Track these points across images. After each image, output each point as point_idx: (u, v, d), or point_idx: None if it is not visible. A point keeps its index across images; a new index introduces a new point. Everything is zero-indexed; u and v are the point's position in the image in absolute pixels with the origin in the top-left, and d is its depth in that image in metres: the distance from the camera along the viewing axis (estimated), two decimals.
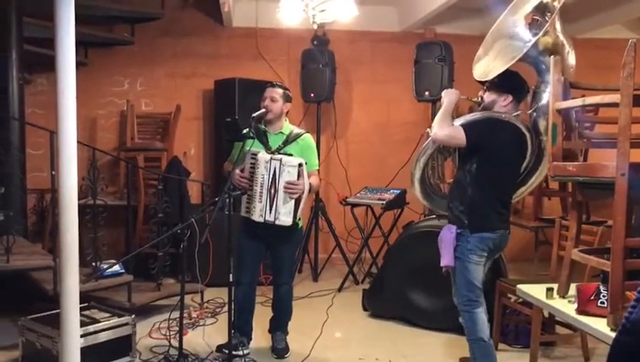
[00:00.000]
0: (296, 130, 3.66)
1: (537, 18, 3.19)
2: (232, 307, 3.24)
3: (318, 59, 5.61)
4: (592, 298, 2.75)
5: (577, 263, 3.13)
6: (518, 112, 3.13)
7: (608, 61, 6.12)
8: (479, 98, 3.21)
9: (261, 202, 3.40)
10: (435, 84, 5.13)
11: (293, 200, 3.36)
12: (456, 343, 3.81)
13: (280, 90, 3.59)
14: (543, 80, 3.14)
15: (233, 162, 3.52)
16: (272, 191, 3.37)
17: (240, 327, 3.67)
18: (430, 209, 4.37)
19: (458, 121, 3.11)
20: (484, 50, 3.36)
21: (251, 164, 3.43)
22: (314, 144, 3.69)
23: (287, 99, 3.61)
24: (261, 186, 3.39)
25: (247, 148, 3.41)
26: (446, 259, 3.08)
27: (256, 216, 3.41)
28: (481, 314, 3.08)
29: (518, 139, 3.07)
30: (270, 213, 3.38)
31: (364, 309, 4.58)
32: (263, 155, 3.41)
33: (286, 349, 3.69)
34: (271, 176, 3.37)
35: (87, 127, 5.84)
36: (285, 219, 3.38)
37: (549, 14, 3.09)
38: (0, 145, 3.76)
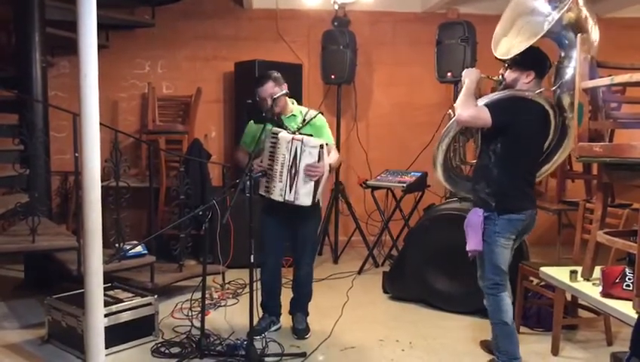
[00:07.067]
0: (310, 111, 3.64)
1: None
2: (254, 288, 3.24)
3: (339, 41, 5.55)
4: (618, 281, 2.73)
5: (601, 247, 3.09)
6: (541, 89, 3.07)
7: (635, 40, 6.00)
8: (500, 76, 3.16)
9: (281, 182, 3.40)
10: (458, 65, 5.03)
11: (313, 182, 3.36)
12: (476, 326, 3.80)
13: (270, 83, 3.49)
14: (567, 55, 3.07)
15: (247, 145, 3.54)
16: (293, 171, 3.37)
17: (269, 308, 3.75)
18: (451, 192, 4.35)
19: (481, 101, 3.05)
20: (502, 28, 3.28)
21: (272, 143, 3.43)
22: (325, 121, 3.65)
23: (278, 82, 3.53)
24: (282, 166, 3.39)
25: (269, 129, 3.41)
26: (473, 244, 3.04)
27: (276, 196, 3.43)
28: (506, 297, 3.07)
29: (542, 117, 3.03)
30: (290, 192, 3.39)
31: (385, 291, 4.58)
32: (285, 135, 3.40)
33: (307, 330, 3.71)
34: (292, 156, 3.36)
35: (108, 109, 5.87)
36: (304, 199, 3.38)
37: None
38: (24, 127, 3.80)
